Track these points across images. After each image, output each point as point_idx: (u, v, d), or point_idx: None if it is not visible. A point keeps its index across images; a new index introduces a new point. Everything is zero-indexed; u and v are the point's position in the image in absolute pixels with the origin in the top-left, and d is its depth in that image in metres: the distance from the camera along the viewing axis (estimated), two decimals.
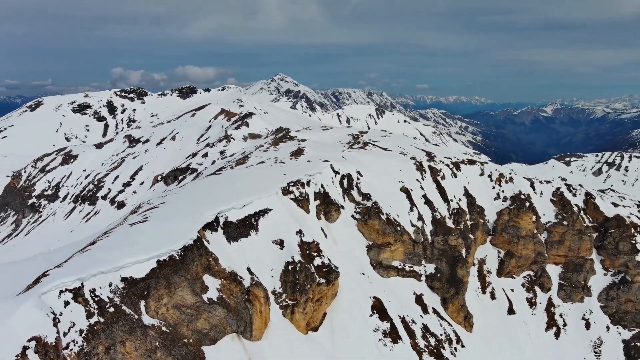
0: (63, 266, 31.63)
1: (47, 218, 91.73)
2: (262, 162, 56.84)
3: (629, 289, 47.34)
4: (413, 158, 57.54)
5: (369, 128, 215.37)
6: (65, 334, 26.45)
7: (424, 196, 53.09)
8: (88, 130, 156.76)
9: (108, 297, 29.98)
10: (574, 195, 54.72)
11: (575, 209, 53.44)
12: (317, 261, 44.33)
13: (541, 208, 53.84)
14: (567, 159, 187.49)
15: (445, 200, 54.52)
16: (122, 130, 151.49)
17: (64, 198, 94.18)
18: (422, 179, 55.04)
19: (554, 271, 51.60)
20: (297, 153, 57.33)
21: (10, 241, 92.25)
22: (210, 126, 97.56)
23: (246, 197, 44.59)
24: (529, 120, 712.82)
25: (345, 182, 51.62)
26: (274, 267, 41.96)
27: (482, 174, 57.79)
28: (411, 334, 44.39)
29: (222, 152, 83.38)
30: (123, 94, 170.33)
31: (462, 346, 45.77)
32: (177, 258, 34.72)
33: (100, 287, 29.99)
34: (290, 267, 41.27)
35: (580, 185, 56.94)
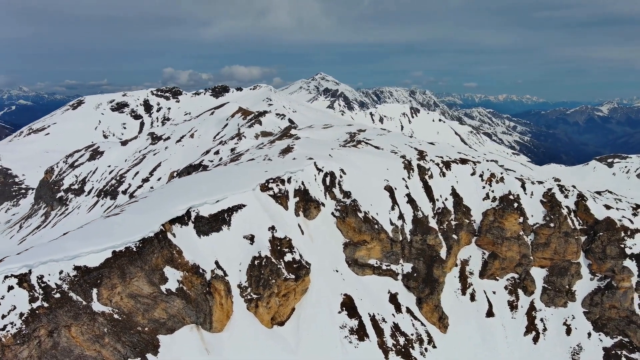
0: (22, 254, 33.73)
1: (72, 211, 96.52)
2: (252, 160, 57.96)
3: (614, 295, 45.34)
4: (403, 157, 57.19)
5: (402, 127, 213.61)
6: (4, 317, 28.27)
7: (408, 195, 52.71)
8: (125, 127, 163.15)
9: (56, 284, 31.58)
10: (566, 196, 52.83)
11: (565, 210, 51.60)
12: (288, 257, 45.03)
13: (530, 209, 52.31)
14: (609, 160, 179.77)
15: (431, 199, 53.93)
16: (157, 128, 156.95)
17: (89, 192, 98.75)
18: (409, 177, 54.65)
19: (539, 274, 50.06)
20: (286, 151, 58.11)
21: (38, 232, 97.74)
22: (227, 124, 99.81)
23: (222, 193, 45.73)
24: (582, 120, 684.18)
25: (327, 179, 51.96)
26: (243, 261, 42.90)
27: (473, 174, 56.72)
28: (380, 332, 44.33)
29: (232, 150, 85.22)
30: (159, 93, 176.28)
31: (434, 347, 45.30)
32: (134, 249, 36.03)
33: (49, 274, 31.65)
34: (256, 262, 42.12)
35: (574, 187, 54.83)
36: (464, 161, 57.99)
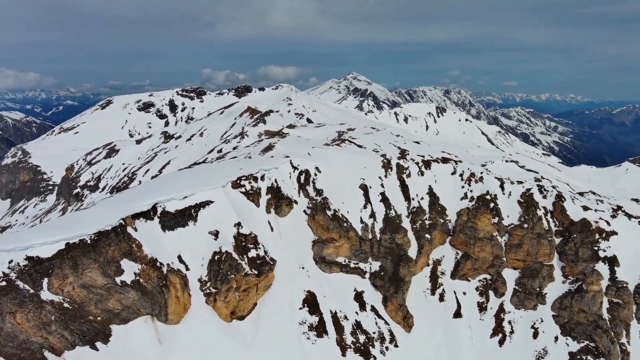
0: None
1: (87, 207, 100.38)
2: (235, 157, 59.05)
3: (582, 299, 43.87)
4: (383, 155, 57.08)
5: (427, 127, 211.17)
6: None
7: (382, 194, 52.63)
8: (150, 127, 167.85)
9: (3, 273, 33.36)
10: (544, 197, 51.45)
11: (542, 211, 50.27)
12: (252, 253, 45.87)
13: (506, 209, 51.26)
14: None
15: (407, 198, 53.65)
16: None
17: (103, 189, 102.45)
18: (386, 176, 54.52)
19: (511, 276, 48.99)
20: (268, 149, 58.93)
21: None
22: (234, 123, 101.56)
23: (191, 189, 46.96)
24: (630, 120, 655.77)
25: (302, 177, 52.46)
26: (205, 256, 44.00)
27: (454, 173, 56.01)
28: (340, 329, 44.56)
29: (235, 148, 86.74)
30: (184, 93, 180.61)
31: (396, 346, 45.15)
32: (89, 242, 37.56)
33: None
34: (216, 257, 43.12)
35: (553, 187, 53.33)
36: (445, 160, 57.34)
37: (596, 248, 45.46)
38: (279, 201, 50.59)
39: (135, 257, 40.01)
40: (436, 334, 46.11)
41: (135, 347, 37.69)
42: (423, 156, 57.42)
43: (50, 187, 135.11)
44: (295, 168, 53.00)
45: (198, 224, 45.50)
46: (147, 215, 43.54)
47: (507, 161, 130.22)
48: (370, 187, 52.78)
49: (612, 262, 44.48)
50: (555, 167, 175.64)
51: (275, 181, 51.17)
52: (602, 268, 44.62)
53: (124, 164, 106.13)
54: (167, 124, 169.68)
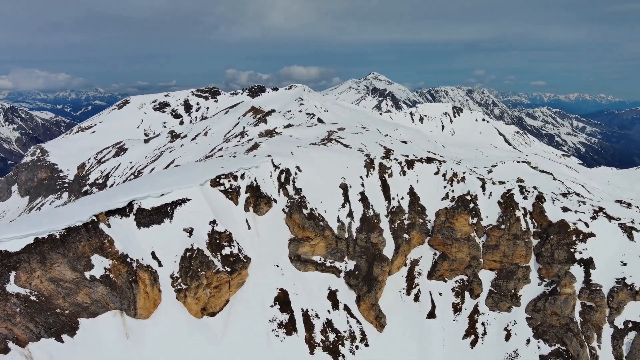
0: None
1: None
2: (221, 156, 59.86)
3: (555, 301, 43.07)
4: (367, 155, 57.07)
5: (443, 127, 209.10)
6: None
7: (362, 193, 52.66)
8: (165, 126, 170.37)
9: None
10: (525, 197, 50.64)
11: (521, 212, 49.50)
12: (226, 250, 46.52)
13: (486, 210, 50.64)
14: None
15: (388, 198, 53.54)
16: None
17: (111, 186, 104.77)
18: (367, 175, 54.52)
19: (488, 277, 48.40)
20: (253, 148, 59.56)
21: None
22: (238, 123, 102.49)
23: (169, 187, 47.85)
24: None
25: (283, 176, 52.86)
26: (178, 253, 44.82)
27: (437, 173, 55.60)
28: (310, 327, 44.83)
29: (235, 147, 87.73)
30: (199, 93, 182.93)
31: (366, 345, 45.17)
32: (58, 237, 38.68)
33: None
34: (188, 254, 43.91)
35: (534, 187, 52.42)
36: (429, 160, 56.97)
37: (572, 250, 44.62)
38: (257, 200, 51.11)
39: (106, 253, 40.99)
40: (408, 334, 45.95)
41: (101, 340, 38.68)
42: (407, 156, 57.19)
43: (66, 185, 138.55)
44: (276, 167, 53.46)
45: (174, 221, 46.33)
46: (123, 212, 44.53)
47: (518, 162, 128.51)
48: (350, 187, 52.87)
49: (588, 264, 43.60)
50: (574, 168, 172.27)
51: (255, 180, 51.70)
52: (577, 270, 43.79)
53: (131, 162, 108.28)
54: (181, 123, 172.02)
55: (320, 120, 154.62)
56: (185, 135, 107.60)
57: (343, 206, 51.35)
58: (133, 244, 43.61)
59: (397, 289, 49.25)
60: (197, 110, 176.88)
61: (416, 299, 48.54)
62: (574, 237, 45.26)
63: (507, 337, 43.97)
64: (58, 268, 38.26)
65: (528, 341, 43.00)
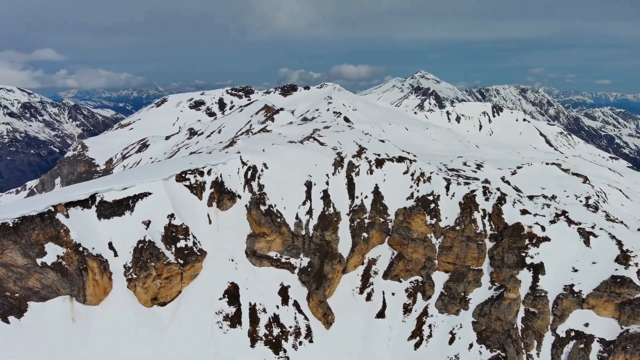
0: None
1: None
2: (200, 152, 61.60)
3: (499, 306, 41.58)
4: (339, 153, 57.13)
5: (481, 127, 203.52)
6: None
7: (325, 191, 52.85)
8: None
9: None
10: (487, 199, 49.03)
11: (481, 214, 48.01)
12: (181, 243, 48.17)
13: (447, 211, 49.45)
14: None
15: (352, 196, 53.44)
16: None
17: None
18: (334, 174, 54.63)
19: (442, 279, 47.31)
20: (230, 145, 60.90)
21: None
22: (249, 121, 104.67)
23: (133, 181, 50.02)
24: None
25: (249, 173, 53.90)
26: (134, 244, 46.80)
27: (406, 172, 54.84)
28: (255, 321, 45.67)
29: None
30: (233, 92, 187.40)
31: (311, 342, 45.47)
32: (11, 225, 41.42)
33: None
34: (139, 245, 45.78)
35: (498, 189, 50.55)
36: (401, 159, 56.26)
37: (524, 254, 42.99)
38: (221, 195, 52.39)
39: (61, 242, 43.46)
40: (355, 333, 45.84)
41: (47, 322, 41.16)
42: (379, 155, 56.73)
43: None
44: (244, 164, 54.53)
45: (134, 213, 48.37)
46: (85, 203, 46.91)
47: (547, 164, 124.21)
48: (315, 184, 53.20)
49: (538, 269, 41.88)
50: (618, 172, 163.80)
51: (220, 176, 53.02)
52: (526, 275, 42.17)
53: (151, 158, 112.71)
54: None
55: (346, 119, 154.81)
56: (202, 133, 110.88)
57: (304, 203, 51.78)
58: (91, 234, 45.94)
59: (352, 288, 49.21)
60: (230, 109, 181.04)
61: (368, 298, 48.29)
62: (527, 241, 43.59)
63: (451, 341, 43.02)
64: (9, 254, 40.93)
65: (471, 346, 41.93)
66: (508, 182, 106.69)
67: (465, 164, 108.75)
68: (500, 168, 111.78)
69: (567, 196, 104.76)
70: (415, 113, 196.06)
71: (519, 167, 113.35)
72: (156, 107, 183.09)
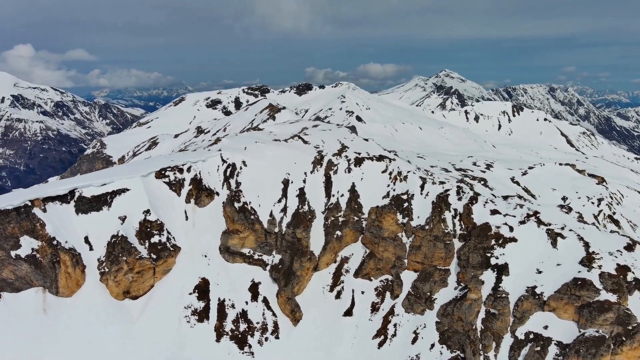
0: None
1: None
2: (186, 150, 62.60)
3: (461, 307, 41.05)
4: (320, 152, 57.36)
5: (500, 127, 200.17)
6: None
7: (301, 189, 53.14)
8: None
9: None
10: (460, 199, 48.37)
11: (452, 213, 47.43)
12: (155, 239, 49.24)
13: (420, 210, 49.01)
14: None
15: (328, 194, 53.58)
16: None
17: None
18: (312, 172, 54.86)
19: (411, 278, 46.97)
20: (214, 143, 61.78)
21: None
22: (253, 119, 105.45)
23: (111, 177, 51.38)
24: None
25: (228, 170, 54.61)
26: (109, 238, 48.05)
27: (384, 171, 54.63)
28: (222, 316, 46.34)
29: None
30: (249, 91, 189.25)
31: (277, 338, 45.87)
32: None
33: None
34: (113, 240, 46.99)
35: (471, 188, 49.75)
36: (381, 158, 56.07)
37: (489, 255, 42.36)
38: (199, 192, 53.23)
39: (37, 235, 45.00)
40: (321, 331, 45.99)
41: (18, 312, 42.75)
42: (359, 153, 56.68)
43: None
44: (224, 161, 55.26)
45: (112, 209, 49.66)
46: (64, 198, 48.39)
47: (560, 164, 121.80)
48: (292, 182, 53.56)
49: (502, 270, 41.20)
50: None
51: (199, 173, 53.88)
52: (490, 276, 41.54)
53: (160, 155, 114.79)
54: None
55: (358, 119, 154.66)
56: (209, 131, 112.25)
57: (279, 201, 52.21)
58: (68, 228, 47.40)
59: (322, 285, 49.36)
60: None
61: (338, 296, 48.38)
62: (493, 242, 42.95)
63: (414, 341, 42.77)
64: None
65: (432, 346, 41.62)
66: (517, 183, 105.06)
67: (474, 164, 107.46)
68: (511, 168, 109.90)
69: (579, 197, 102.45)
70: (433, 112, 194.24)
71: (530, 168, 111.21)
72: (174, 106, 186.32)
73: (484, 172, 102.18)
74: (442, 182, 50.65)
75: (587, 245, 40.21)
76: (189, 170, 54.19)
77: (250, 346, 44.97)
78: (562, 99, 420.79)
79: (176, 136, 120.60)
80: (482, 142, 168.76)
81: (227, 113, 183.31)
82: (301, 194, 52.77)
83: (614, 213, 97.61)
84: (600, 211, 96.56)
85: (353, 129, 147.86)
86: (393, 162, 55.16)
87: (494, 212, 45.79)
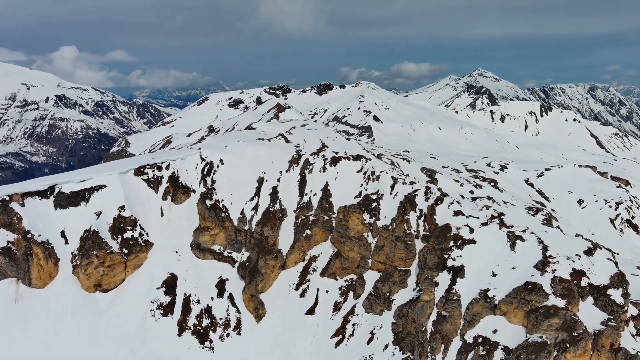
0: None
1: None
2: (173, 148, 63.98)
3: (414, 308, 40.46)
4: (298, 151, 57.67)
5: (527, 127, 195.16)
6: None
7: (274, 187, 53.59)
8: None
9: None
10: (427, 199, 47.60)
11: (417, 214, 46.77)
12: (128, 234, 50.69)
13: (387, 210, 48.43)
14: None
15: (302, 193, 53.80)
16: None
17: None
18: (287, 171, 55.22)
19: (374, 278, 46.57)
20: (199, 141, 62.95)
21: None
22: (260, 119, 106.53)
23: (90, 174, 53.19)
24: None
25: (206, 169, 55.62)
26: (82, 233, 49.76)
27: (359, 171, 54.40)
28: (187, 311, 47.30)
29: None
30: (271, 91, 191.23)
31: (239, 334, 46.46)
32: None
33: None
34: (85, 234, 48.66)
35: (439, 189, 48.74)
36: (357, 158, 55.87)
37: (446, 256, 41.60)
38: (176, 189, 54.43)
39: (13, 228, 47.14)
40: (283, 328, 46.25)
41: None
42: (337, 153, 56.67)
43: None
44: (203, 159, 56.30)
45: (89, 205, 51.45)
46: (44, 194, 50.44)
47: (580, 166, 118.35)
48: (266, 181, 54.09)
49: (457, 272, 40.34)
50: None
51: (177, 171, 55.09)
52: (445, 278, 40.77)
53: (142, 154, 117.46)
54: None
55: (376, 118, 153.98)
56: (219, 130, 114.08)
57: (252, 199, 52.82)
58: (46, 222, 49.41)
59: (289, 284, 49.62)
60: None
61: (303, 294, 48.53)
62: (452, 243, 42.17)
63: (369, 341, 42.51)
64: None
65: (386, 347, 41.29)
66: (532, 185, 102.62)
67: (489, 165, 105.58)
68: (526, 170, 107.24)
69: (596, 201, 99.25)
70: (457, 112, 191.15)
71: (547, 170, 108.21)
72: (197, 105, 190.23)
73: (496, 173, 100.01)
74: (412, 182, 50.04)
75: (545, 248, 39.03)
76: (167, 167, 55.47)
77: (211, 341, 45.74)
78: (603, 98, 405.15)
79: (189, 135, 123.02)
80: (505, 142, 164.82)
81: None
82: (274, 193, 53.23)
83: (633, 217, 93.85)
84: (617, 215, 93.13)
85: (369, 129, 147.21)
86: (369, 161, 54.87)
87: (457, 213, 44.94)
